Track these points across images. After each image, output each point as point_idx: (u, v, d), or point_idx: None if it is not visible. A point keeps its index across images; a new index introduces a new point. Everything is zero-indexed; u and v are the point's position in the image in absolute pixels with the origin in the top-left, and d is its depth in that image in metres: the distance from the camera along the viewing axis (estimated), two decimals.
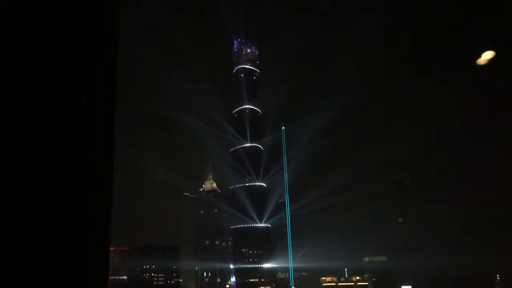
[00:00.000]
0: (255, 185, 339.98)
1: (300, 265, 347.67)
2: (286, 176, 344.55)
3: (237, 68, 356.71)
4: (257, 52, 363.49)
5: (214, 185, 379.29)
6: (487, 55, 53.15)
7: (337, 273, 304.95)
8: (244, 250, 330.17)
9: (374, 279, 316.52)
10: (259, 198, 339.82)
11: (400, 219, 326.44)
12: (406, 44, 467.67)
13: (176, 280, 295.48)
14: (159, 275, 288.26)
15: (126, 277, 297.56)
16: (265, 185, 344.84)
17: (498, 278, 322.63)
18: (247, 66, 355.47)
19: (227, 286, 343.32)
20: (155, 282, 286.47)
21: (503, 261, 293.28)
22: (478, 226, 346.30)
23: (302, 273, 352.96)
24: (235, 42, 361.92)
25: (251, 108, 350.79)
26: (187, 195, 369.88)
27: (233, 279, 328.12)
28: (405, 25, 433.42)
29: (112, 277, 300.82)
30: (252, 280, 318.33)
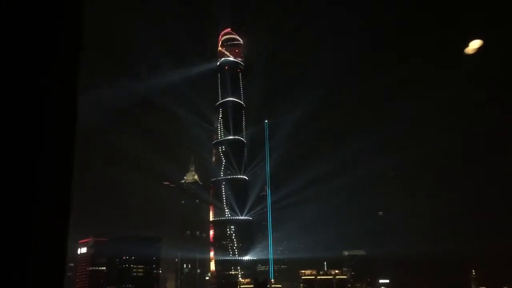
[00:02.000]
0: (237, 177, 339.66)
1: (280, 257, 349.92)
2: (268, 169, 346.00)
3: (221, 60, 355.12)
4: (241, 46, 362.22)
5: (196, 177, 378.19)
6: (474, 44, 54.02)
7: (317, 266, 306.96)
8: (225, 242, 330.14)
9: (352, 273, 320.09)
10: (240, 191, 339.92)
11: (381, 212, 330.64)
12: (392, 32, 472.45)
13: (156, 271, 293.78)
14: (139, 266, 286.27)
15: (105, 268, 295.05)
16: (246, 178, 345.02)
17: (473, 273, 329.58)
18: (231, 59, 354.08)
19: (207, 277, 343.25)
20: (135, 273, 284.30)
21: (480, 251, 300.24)
22: (457, 218, 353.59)
23: (282, 266, 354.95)
24: (220, 34, 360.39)
25: (234, 100, 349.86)
26: (166, 184, 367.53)
27: None
28: (393, 14, 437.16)
29: (90, 268, 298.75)
30: (232, 272, 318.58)
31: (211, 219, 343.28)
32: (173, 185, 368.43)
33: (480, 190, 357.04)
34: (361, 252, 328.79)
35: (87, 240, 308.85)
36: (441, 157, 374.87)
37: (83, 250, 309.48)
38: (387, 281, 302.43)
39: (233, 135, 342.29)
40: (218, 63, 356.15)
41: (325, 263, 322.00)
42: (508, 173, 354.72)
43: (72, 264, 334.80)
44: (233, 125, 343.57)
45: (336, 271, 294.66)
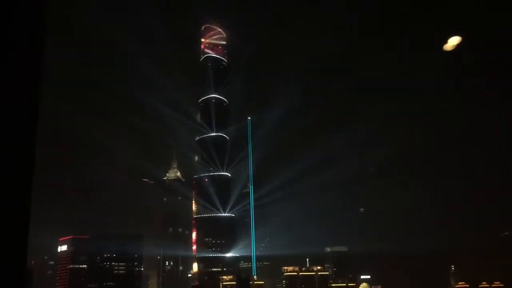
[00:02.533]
0: (220, 174, 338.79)
1: (263, 254, 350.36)
2: (251, 166, 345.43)
3: (204, 56, 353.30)
4: (224, 42, 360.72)
5: (179, 173, 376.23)
6: (453, 41, 54.40)
7: (299, 263, 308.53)
8: (207, 239, 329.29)
9: (334, 269, 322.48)
10: (223, 188, 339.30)
11: (362, 209, 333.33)
12: (373, 27, 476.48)
13: (137, 269, 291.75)
14: (120, 263, 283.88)
15: (86, 266, 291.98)
16: (229, 175, 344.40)
17: (453, 268, 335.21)
18: (214, 55, 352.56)
19: (189, 275, 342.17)
20: (116, 271, 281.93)
21: (460, 247, 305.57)
22: (437, 214, 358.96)
23: (265, 263, 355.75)
24: (203, 31, 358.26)
25: (217, 97, 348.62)
26: (145, 181, 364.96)
27: None
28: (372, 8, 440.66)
29: (71, 266, 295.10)
30: (215, 269, 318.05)
31: (193, 216, 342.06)
32: (152, 182, 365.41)
33: (458, 188, 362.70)
34: (343, 249, 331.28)
35: (67, 237, 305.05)
36: (420, 155, 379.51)
37: (64, 248, 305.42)
38: (368, 276, 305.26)
39: (216, 132, 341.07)
40: (201, 60, 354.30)
41: (307, 259, 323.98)
42: (484, 172, 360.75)
43: (52, 262, 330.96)
44: (216, 122, 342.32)
45: (318, 268, 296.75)
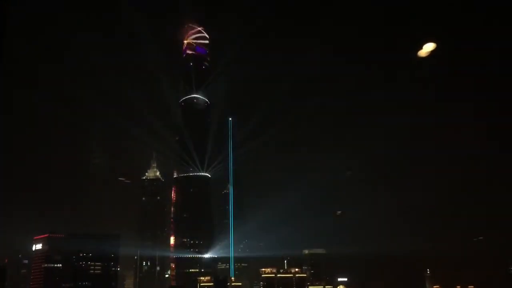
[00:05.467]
0: (199, 175, 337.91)
1: (241, 256, 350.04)
2: (231, 167, 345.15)
3: (186, 55, 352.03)
4: (207, 43, 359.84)
5: (158, 173, 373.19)
6: (428, 47, 55.14)
7: (277, 265, 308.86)
8: (185, 239, 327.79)
9: (312, 271, 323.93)
10: (202, 188, 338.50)
11: (339, 212, 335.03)
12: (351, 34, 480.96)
13: (114, 268, 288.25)
14: (96, 263, 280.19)
15: (60, 265, 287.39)
16: (209, 175, 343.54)
17: (428, 272, 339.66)
18: (196, 54, 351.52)
19: (166, 275, 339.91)
20: (92, 271, 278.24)
21: (435, 251, 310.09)
22: (412, 218, 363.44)
23: (243, 264, 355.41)
24: (186, 30, 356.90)
25: (199, 97, 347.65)
26: (121, 180, 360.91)
27: None
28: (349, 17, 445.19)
29: (45, 265, 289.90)
30: (192, 270, 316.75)
31: (172, 216, 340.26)
32: (128, 181, 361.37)
33: (433, 193, 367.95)
34: (320, 251, 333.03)
35: (42, 236, 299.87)
36: (395, 160, 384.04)
37: (38, 246, 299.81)
38: (346, 279, 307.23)
39: (197, 132, 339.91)
40: (183, 59, 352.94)
41: (285, 261, 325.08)
42: (461, 176, 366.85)
43: (26, 261, 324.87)
44: (196, 122, 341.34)
45: (296, 270, 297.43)
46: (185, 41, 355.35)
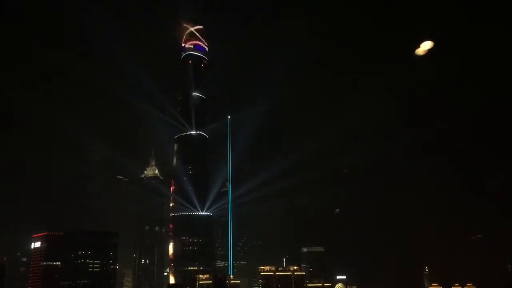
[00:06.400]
0: (199, 173, 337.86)
1: (240, 253, 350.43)
2: (230, 165, 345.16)
3: (185, 54, 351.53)
4: (206, 40, 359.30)
5: (157, 171, 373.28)
6: (426, 46, 55.00)
7: (275, 263, 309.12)
8: (184, 237, 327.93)
9: (311, 269, 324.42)
10: (201, 186, 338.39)
11: (337, 209, 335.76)
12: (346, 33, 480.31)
13: (112, 266, 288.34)
14: (95, 261, 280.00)
15: (59, 263, 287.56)
16: (208, 174, 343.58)
17: (426, 270, 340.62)
18: (195, 53, 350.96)
19: (165, 273, 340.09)
20: (90, 268, 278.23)
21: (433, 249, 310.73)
22: (410, 217, 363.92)
23: (241, 262, 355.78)
24: (184, 27, 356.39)
25: (197, 95, 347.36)
26: (120, 178, 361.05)
27: None
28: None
29: (44, 263, 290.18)
30: (191, 268, 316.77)
31: (171, 214, 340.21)
32: (126, 179, 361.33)
33: (433, 190, 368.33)
34: (319, 249, 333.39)
35: (41, 234, 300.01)
36: (393, 157, 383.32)
37: (37, 244, 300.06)
38: (344, 277, 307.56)
39: (196, 130, 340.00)
40: (182, 57, 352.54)
41: (284, 259, 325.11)
42: (459, 174, 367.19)
43: (25, 259, 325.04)
44: (195, 120, 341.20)
45: (295, 267, 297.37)
46: (184, 39, 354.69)
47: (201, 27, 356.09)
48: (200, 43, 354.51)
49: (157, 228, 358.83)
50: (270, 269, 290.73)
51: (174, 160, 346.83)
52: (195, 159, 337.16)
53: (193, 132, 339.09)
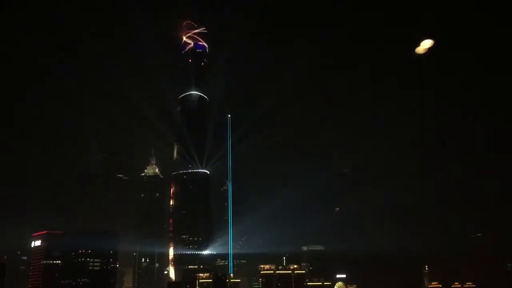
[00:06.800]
0: (198, 171, 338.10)
1: (240, 252, 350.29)
2: (230, 163, 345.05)
3: (185, 51, 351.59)
4: (206, 39, 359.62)
5: (157, 170, 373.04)
6: (426, 44, 54.96)
7: (276, 261, 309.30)
8: (184, 236, 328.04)
9: (311, 268, 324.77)
10: (201, 185, 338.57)
11: (337, 208, 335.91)
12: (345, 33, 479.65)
13: (112, 265, 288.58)
14: (95, 259, 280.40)
15: (59, 262, 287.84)
16: (208, 172, 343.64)
17: (426, 269, 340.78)
18: (195, 52, 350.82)
19: (165, 272, 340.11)
20: (91, 267, 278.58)
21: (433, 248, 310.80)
22: (410, 216, 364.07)
23: (241, 261, 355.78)
24: (185, 26, 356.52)
25: (198, 94, 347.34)
26: (120, 176, 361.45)
27: None
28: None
29: (44, 261, 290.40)
30: (191, 266, 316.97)
31: (171, 212, 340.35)
32: (126, 178, 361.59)
33: (432, 190, 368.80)
34: (319, 248, 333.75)
35: (41, 233, 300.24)
36: (394, 157, 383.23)
37: (37, 243, 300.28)
38: (344, 276, 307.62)
39: (195, 128, 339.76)
40: (182, 55, 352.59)
41: (284, 258, 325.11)
42: (460, 173, 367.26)
43: (25, 258, 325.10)
44: (195, 118, 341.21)
45: (295, 266, 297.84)
46: (185, 37, 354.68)
47: (202, 27, 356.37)
48: (200, 41, 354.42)
49: (157, 227, 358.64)
50: (270, 267, 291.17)
51: (174, 159, 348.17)
52: (195, 157, 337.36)
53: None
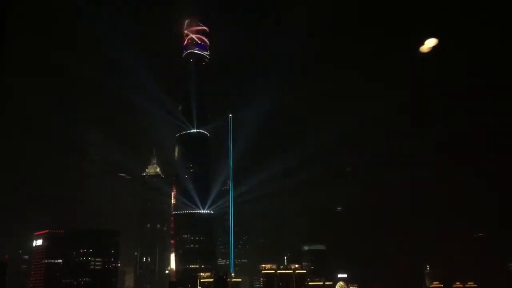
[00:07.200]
0: (200, 171, 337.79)
1: (241, 252, 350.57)
2: (231, 163, 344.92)
3: (186, 52, 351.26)
4: (207, 39, 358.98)
5: (158, 169, 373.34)
6: (430, 43, 54.88)
7: (277, 261, 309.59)
8: (186, 236, 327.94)
9: (312, 267, 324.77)
10: (203, 185, 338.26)
11: (339, 208, 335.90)
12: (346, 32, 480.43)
13: (114, 264, 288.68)
14: (97, 259, 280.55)
15: (61, 261, 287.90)
16: (209, 172, 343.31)
17: (428, 268, 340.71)
18: (197, 51, 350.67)
19: (166, 271, 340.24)
20: (92, 266, 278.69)
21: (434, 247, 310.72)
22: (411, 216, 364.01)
23: (243, 260, 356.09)
24: (186, 26, 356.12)
25: (198, 93, 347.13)
26: (122, 175, 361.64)
27: None
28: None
29: (46, 260, 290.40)
30: (192, 266, 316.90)
31: (172, 212, 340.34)
32: (128, 177, 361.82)
33: (433, 188, 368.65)
34: (320, 247, 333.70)
35: (43, 232, 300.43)
36: (395, 155, 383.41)
37: (39, 242, 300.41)
38: (345, 275, 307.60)
39: (197, 128, 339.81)
40: (183, 55, 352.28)
41: (285, 257, 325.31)
42: (461, 173, 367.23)
43: (27, 257, 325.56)
44: (196, 118, 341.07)
45: (296, 266, 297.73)
46: (186, 37, 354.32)
47: (203, 26, 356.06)
48: (202, 41, 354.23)
49: (158, 226, 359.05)
50: (271, 267, 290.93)
51: (176, 158, 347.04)
52: (196, 158, 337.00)
53: (194, 131, 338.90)
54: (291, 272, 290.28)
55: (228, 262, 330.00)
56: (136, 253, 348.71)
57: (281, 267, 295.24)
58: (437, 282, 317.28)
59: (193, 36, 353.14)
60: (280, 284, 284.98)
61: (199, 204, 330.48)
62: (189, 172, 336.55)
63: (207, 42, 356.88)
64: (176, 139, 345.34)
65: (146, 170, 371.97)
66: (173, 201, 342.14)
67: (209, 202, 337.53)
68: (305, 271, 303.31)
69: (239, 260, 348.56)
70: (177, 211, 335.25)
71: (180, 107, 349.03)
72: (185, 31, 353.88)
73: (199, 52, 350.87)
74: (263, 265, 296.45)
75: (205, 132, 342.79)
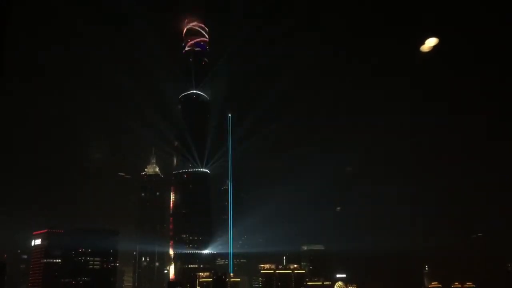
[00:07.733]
0: (199, 171, 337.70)
1: (240, 251, 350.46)
2: (230, 163, 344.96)
3: (186, 51, 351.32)
4: (207, 38, 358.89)
5: (157, 169, 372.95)
6: (430, 42, 54.93)
7: (276, 261, 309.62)
8: (184, 235, 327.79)
9: (311, 267, 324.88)
10: (202, 184, 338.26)
11: (338, 208, 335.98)
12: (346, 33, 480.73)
13: (113, 264, 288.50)
14: (95, 258, 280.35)
15: (60, 260, 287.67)
16: (208, 171, 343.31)
17: (426, 268, 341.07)
18: (196, 50, 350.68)
19: (165, 271, 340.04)
20: (91, 266, 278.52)
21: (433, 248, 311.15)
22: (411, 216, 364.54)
23: (242, 260, 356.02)
24: (186, 25, 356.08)
25: (198, 93, 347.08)
26: (121, 175, 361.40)
27: None
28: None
29: (45, 260, 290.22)
30: (191, 266, 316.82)
31: (171, 212, 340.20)
32: (128, 177, 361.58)
33: (433, 189, 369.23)
34: (319, 247, 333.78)
35: (41, 231, 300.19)
36: (394, 156, 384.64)
37: (38, 241, 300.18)
38: (344, 275, 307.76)
39: (196, 128, 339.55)
40: (183, 54, 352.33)
41: (284, 257, 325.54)
42: (460, 173, 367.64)
43: (25, 256, 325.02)
44: (196, 118, 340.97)
45: (295, 266, 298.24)
46: (186, 36, 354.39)
47: (202, 25, 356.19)
48: (201, 40, 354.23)
49: (157, 226, 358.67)
50: (270, 267, 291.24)
51: (174, 158, 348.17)
52: (195, 157, 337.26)
53: (194, 130, 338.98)
54: (290, 272, 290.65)
55: (227, 262, 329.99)
56: (135, 253, 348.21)
57: (280, 267, 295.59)
58: (436, 282, 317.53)
59: (193, 35, 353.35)
60: (279, 284, 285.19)
61: (198, 203, 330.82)
62: (188, 172, 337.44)
63: (207, 41, 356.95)
64: (175, 138, 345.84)
65: (145, 169, 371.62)
66: (172, 200, 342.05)
67: (207, 202, 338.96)
68: (304, 271, 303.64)
69: (238, 260, 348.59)
70: (176, 210, 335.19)
71: (180, 106, 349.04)
72: (186, 30, 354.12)
73: (198, 51, 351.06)
74: (262, 265, 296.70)
75: (204, 132, 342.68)
